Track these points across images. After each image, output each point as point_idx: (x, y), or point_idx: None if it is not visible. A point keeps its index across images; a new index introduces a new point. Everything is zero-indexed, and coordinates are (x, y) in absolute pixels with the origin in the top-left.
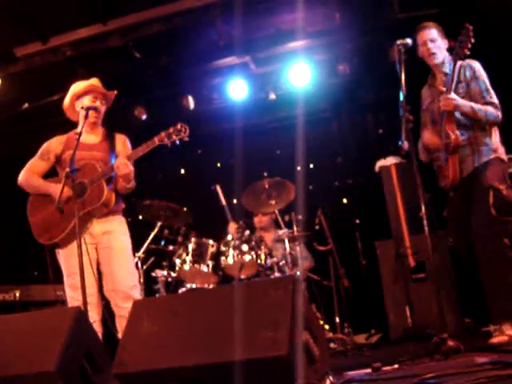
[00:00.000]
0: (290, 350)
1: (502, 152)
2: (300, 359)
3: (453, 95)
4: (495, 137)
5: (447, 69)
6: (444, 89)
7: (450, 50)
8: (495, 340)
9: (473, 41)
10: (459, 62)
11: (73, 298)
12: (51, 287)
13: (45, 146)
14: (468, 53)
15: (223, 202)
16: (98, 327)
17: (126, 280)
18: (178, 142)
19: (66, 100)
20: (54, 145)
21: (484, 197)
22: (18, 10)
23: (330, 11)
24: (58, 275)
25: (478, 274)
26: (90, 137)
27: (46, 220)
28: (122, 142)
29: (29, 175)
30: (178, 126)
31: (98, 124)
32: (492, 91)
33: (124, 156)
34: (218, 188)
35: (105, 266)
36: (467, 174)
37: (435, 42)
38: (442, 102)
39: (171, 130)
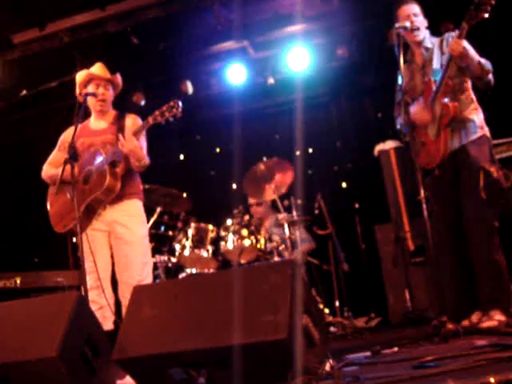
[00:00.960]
0: (290, 333)
1: (487, 130)
2: (300, 343)
3: (464, 42)
4: (480, 114)
5: (428, 44)
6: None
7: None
8: (485, 325)
9: (493, 3)
10: (437, 38)
11: (87, 283)
12: (52, 273)
13: (61, 137)
14: (486, 16)
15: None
16: (106, 312)
17: (133, 274)
18: (171, 119)
19: (76, 90)
20: (68, 134)
21: (474, 179)
22: None
23: None
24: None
25: (458, 255)
26: (100, 123)
27: (60, 208)
28: (132, 121)
29: (47, 167)
30: (171, 103)
31: (105, 110)
32: None
33: (130, 133)
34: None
35: (115, 256)
36: (453, 151)
37: (418, 17)
38: (452, 44)
39: (164, 107)
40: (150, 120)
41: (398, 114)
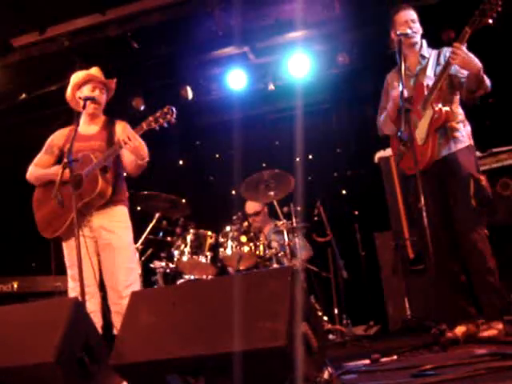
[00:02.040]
0: (289, 340)
1: (472, 142)
2: (299, 350)
3: (464, 49)
4: (468, 126)
5: (425, 53)
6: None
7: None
8: (485, 334)
9: (500, 9)
10: (436, 50)
11: (73, 289)
12: (50, 278)
13: (49, 139)
14: (490, 22)
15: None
16: (96, 318)
17: (120, 279)
18: (165, 125)
19: (68, 91)
20: (57, 138)
21: (465, 186)
22: (14, 1)
23: (330, 1)
24: (60, 267)
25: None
26: (90, 127)
27: (48, 214)
28: (122, 127)
29: (33, 169)
30: (165, 109)
31: (97, 114)
32: None
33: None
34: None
35: (103, 262)
36: (440, 158)
37: (415, 24)
38: (453, 51)
39: (158, 113)
40: (144, 125)
41: (384, 121)
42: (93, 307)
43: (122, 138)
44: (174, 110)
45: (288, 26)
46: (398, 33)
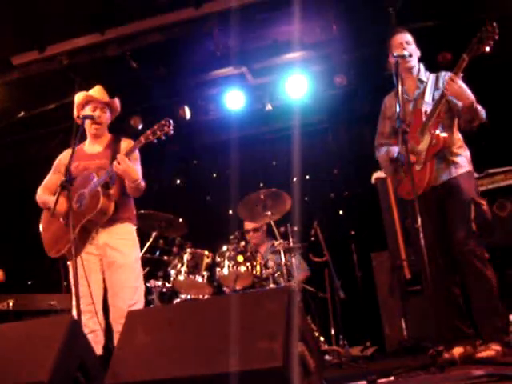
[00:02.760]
0: (286, 361)
1: (472, 167)
2: (295, 371)
3: (459, 81)
4: (467, 151)
5: (423, 77)
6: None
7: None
8: (483, 354)
9: (497, 38)
10: (434, 74)
11: (75, 307)
12: (46, 296)
13: (56, 160)
14: (488, 50)
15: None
16: (97, 337)
17: (124, 298)
18: (163, 138)
19: (74, 111)
20: (64, 157)
21: (465, 210)
22: (15, 19)
23: (327, 23)
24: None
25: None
26: (95, 146)
27: (54, 234)
28: (127, 145)
29: (41, 191)
30: (162, 122)
31: (101, 133)
32: None
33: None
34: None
35: (107, 280)
36: (440, 183)
37: (410, 45)
38: (448, 83)
39: (155, 126)
40: (142, 139)
41: (384, 143)
42: (94, 326)
43: (115, 162)
44: (171, 122)
45: (286, 47)
46: (394, 54)
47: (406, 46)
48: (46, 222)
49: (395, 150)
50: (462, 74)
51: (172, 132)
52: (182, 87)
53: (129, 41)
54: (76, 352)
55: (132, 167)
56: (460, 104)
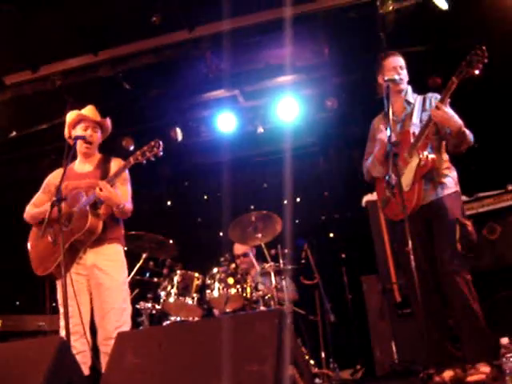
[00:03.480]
0: None
1: (459, 188)
2: None
3: (447, 108)
4: (455, 171)
5: (410, 98)
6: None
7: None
8: (473, 378)
9: (486, 61)
10: (421, 95)
11: (63, 327)
12: (34, 317)
13: (46, 179)
14: (477, 72)
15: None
16: (85, 357)
17: (111, 320)
18: (152, 159)
19: (65, 130)
20: (54, 177)
21: (451, 231)
22: (8, 39)
23: (319, 46)
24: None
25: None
26: (85, 166)
27: (41, 252)
28: (117, 164)
29: (30, 208)
30: (152, 143)
31: (91, 153)
32: None
33: (106, 179)
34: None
35: (94, 301)
36: (427, 203)
37: (403, 70)
38: (433, 110)
39: (145, 147)
40: (132, 160)
41: (372, 164)
42: (81, 347)
43: (97, 188)
44: (160, 143)
45: (277, 70)
46: (385, 78)
47: (400, 71)
48: (34, 240)
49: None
50: (449, 100)
51: (161, 153)
52: (174, 109)
53: (122, 62)
54: (65, 373)
55: (114, 193)
56: (448, 129)
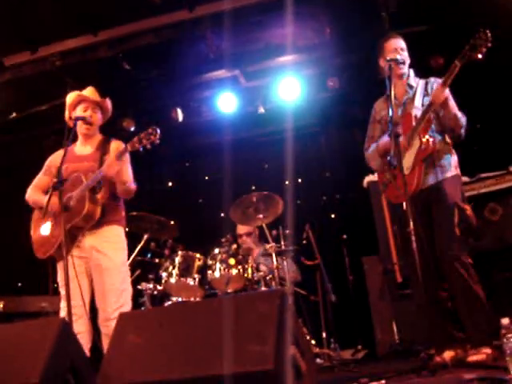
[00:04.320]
0: (277, 363)
1: (459, 171)
2: (287, 374)
3: (447, 91)
4: (455, 155)
5: (412, 82)
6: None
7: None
8: (474, 358)
9: (490, 45)
10: (423, 79)
11: (64, 309)
12: (36, 299)
13: (47, 160)
14: (480, 56)
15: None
16: (83, 339)
17: (110, 301)
18: (149, 147)
19: (66, 112)
20: (55, 159)
21: (449, 215)
22: (6, 20)
23: (321, 26)
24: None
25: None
26: (86, 148)
27: (41, 235)
28: (117, 146)
29: (32, 191)
30: (149, 130)
31: (91, 134)
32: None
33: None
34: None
35: (94, 283)
36: (427, 187)
37: (404, 52)
38: (435, 92)
39: (142, 134)
40: (128, 147)
41: (372, 155)
42: (80, 328)
43: (104, 165)
44: (158, 130)
45: (278, 50)
46: (387, 58)
47: (401, 52)
48: (36, 222)
49: (385, 139)
50: (450, 82)
51: (158, 141)
52: (175, 89)
53: (121, 42)
54: (67, 354)
55: (123, 169)
56: (441, 112)
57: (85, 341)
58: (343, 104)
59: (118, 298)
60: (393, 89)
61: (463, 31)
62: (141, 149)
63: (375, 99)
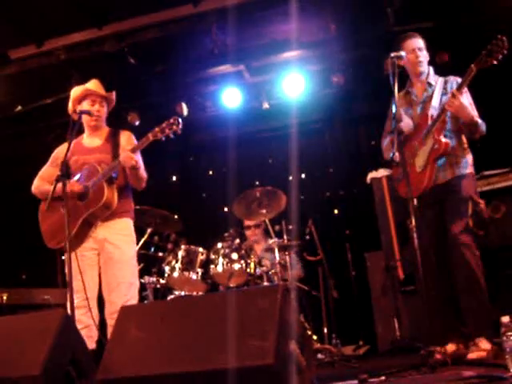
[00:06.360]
0: (277, 359)
1: (473, 170)
2: (287, 369)
3: (461, 98)
4: (471, 155)
5: (432, 80)
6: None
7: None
8: (474, 355)
9: (506, 52)
10: (443, 78)
11: (80, 301)
12: (39, 291)
13: (54, 152)
14: (495, 62)
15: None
16: (90, 332)
17: (119, 294)
18: (172, 136)
19: (70, 106)
20: (61, 150)
21: (463, 207)
22: (13, 13)
23: (326, 22)
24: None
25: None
26: (94, 140)
27: (54, 224)
28: (127, 138)
29: (39, 183)
30: (171, 120)
31: (99, 126)
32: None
33: (128, 149)
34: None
35: (103, 275)
36: (442, 183)
37: (422, 52)
38: (449, 100)
39: (164, 124)
40: (150, 136)
41: (387, 147)
42: (87, 321)
43: (122, 157)
44: (180, 120)
45: (283, 45)
46: (392, 55)
47: (419, 52)
48: (45, 213)
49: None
50: (466, 88)
51: (180, 131)
52: (180, 84)
53: (127, 36)
54: (68, 346)
55: (137, 162)
56: (461, 120)
57: (93, 333)
58: (348, 100)
59: (127, 291)
60: (412, 87)
61: (468, 27)
62: (163, 138)
63: (380, 95)
